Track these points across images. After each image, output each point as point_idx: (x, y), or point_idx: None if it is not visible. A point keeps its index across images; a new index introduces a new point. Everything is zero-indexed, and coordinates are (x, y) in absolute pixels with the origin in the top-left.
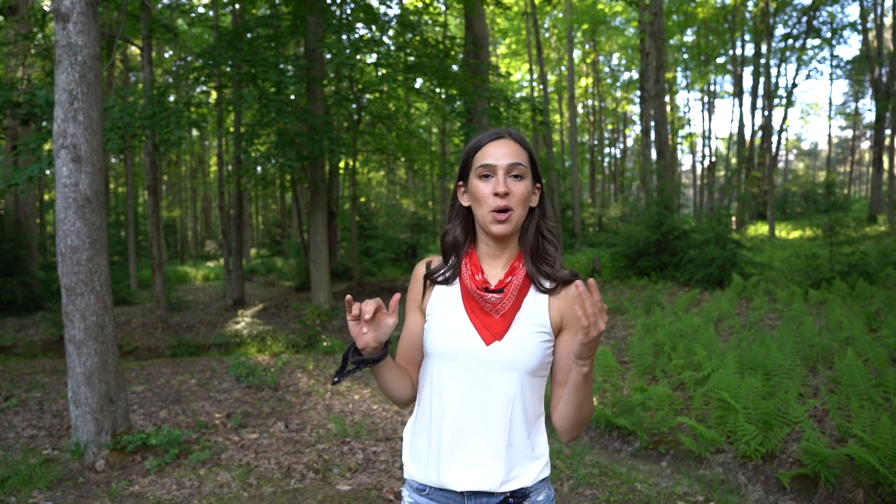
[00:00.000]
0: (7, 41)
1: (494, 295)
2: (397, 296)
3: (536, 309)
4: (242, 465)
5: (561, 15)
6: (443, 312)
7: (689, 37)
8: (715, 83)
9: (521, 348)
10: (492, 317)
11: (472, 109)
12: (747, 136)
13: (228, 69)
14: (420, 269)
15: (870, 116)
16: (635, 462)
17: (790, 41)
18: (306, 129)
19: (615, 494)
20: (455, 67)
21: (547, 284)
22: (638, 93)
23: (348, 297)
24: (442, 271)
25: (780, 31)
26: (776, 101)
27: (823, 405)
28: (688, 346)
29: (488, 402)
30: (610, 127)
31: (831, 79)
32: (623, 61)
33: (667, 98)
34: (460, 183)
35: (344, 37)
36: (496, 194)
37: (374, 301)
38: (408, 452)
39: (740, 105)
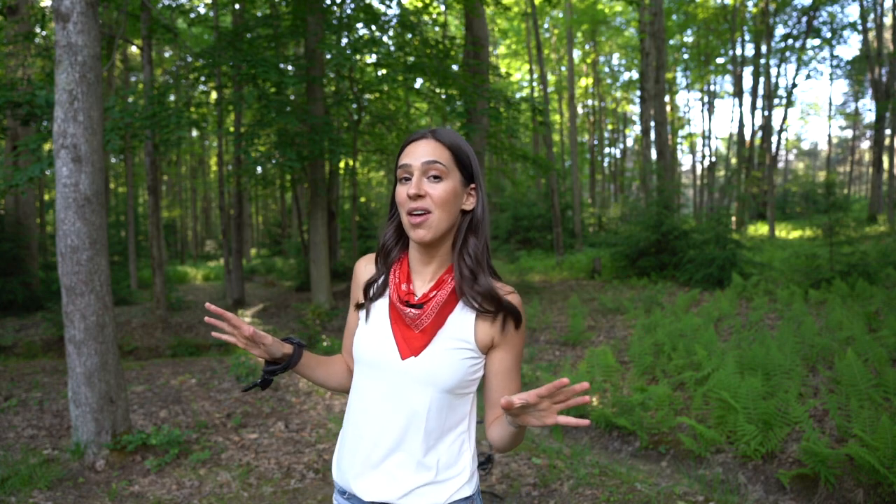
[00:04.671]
0: (7, 41)
1: (413, 310)
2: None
3: (462, 326)
4: (242, 465)
5: (561, 15)
6: (371, 319)
7: (689, 37)
8: (715, 83)
9: (437, 366)
10: (412, 331)
11: (472, 110)
12: (747, 136)
13: (228, 69)
14: (359, 269)
15: (870, 116)
16: (635, 462)
17: (790, 41)
18: (306, 129)
19: (615, 494)
20: (455, 67)
21: (475, 304)
22: (638, 93)
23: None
24: (374, 287)
25: (780, 31)
26: (776, 101)
27: (823, 405)
28: (688, 346)
29: (400, 415)
30: (610, 127)
31: (831, 79)
32: (623, 61)
33: (667, 98)
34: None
35: (344, 37)
36: (408, 196)
37: (240, 331)
38: (335, 454)
39: (740, 105)
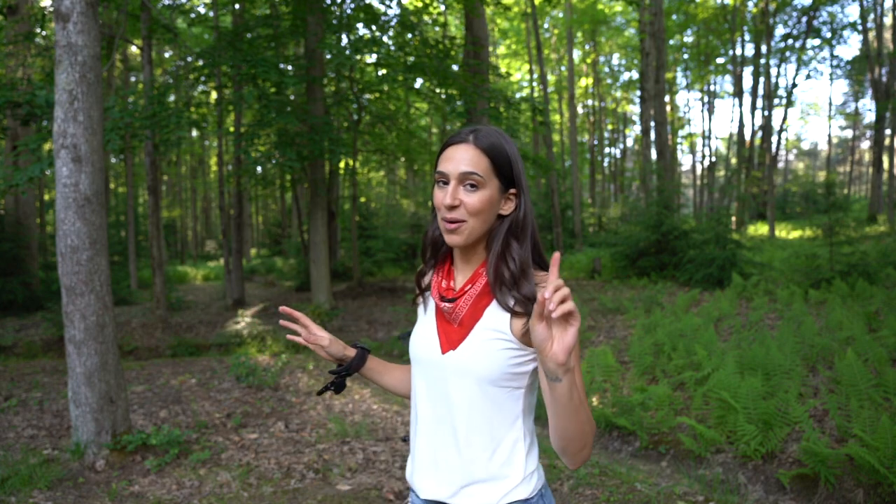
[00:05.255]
0: (7, 41)
1: (447, 304)
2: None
3: (498, 319)
4: (242, 465)
5: (561, 15)
6: (421, 318)
7: (689, 37)
8: (715, 83)
9: (474, 357)
10: (451, 325)
11: (472, 109)
12: (747, 136)
13: (228, 69)
14: (418, 280)
15: (870, 116)
16: (635, 462)
17: (790, 41)
18: (306, 129)
19: (615, 494)
20: (455, 67)
21: (510, 302)
22: (638, 93)
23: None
24: (424, 279)
25: (780, 31)
26: (776, 101)
27: (823, 405)
28: (688, 346)
29: (443, 410)
30: (610, 127)
31: (831, 79)
32: (623, 61)
33: (667, 98)
34: None
35: (344, 37)
36: (444, 205)
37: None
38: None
39: (740, 105)
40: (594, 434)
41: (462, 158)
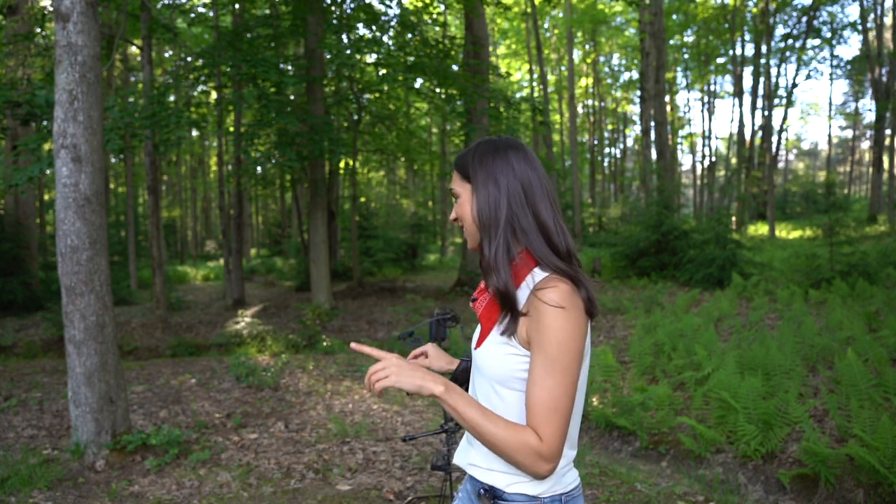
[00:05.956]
0: (7, 41)
1: (472, 303)
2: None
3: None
4: (242, 465)
5: (561, 15)
6: None
7: (689, 37)
8: (715, 83)
9: (488, 357)
10: (482, 325)
11: (472, 109)
12: (747, 136)
13: (228, 69)
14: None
15: (870, 116)
16: (635, 462)
17: (790, 41)
18: (306, 129)
19: (615, 494)
20: (455, 67)
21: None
22: (638, 93)
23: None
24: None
25: (780, 31)
26: (776, 101)
27: (823, 405)
28: (688, 346)
29: (479, 399)
30: (610, 127)
31: (831, 79)
32: (623, 61)
33: (667, 98)
34: None
35: (344, 37)
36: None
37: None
38: None
39: (740, 105)
40: (521, 455)
41: (452, 179)
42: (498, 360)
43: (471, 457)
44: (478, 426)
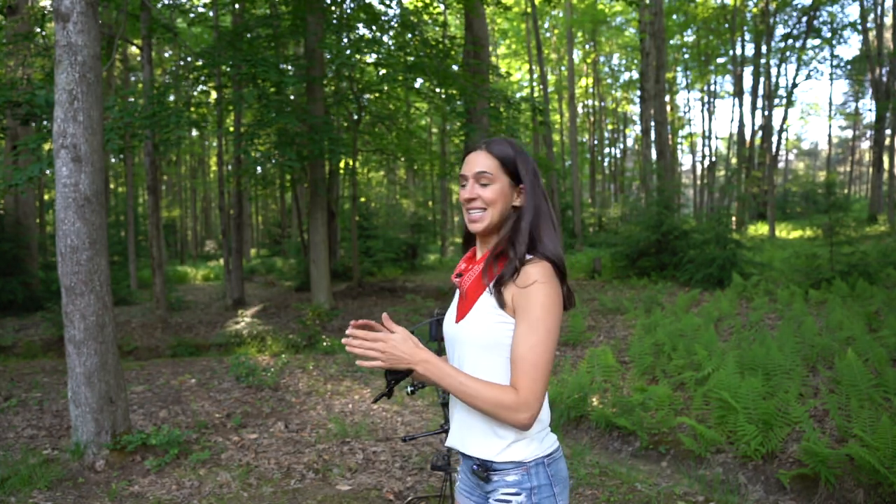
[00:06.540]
0: (7, 41)
1: (457, 279)
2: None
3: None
4: (242, 465)
5: (561, 15)
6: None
7: (689, 37)
8: (715, 83)
9: (473, 326)
10: (462, 299)
11: (472, 109)
12: (747, 136)
13: (228, 69)
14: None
15: (870, 116)
16: (635, 462)
17: (790, 41)
18: (306, 129)
19: (615, 494)
20: (455, 67)
21: (500, 277)
22: (638, 93)
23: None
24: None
25: (780, 31)
26: (776, 101)
27: (823, 405)
28: (688, 346)
29: (464, 369)
30: (610, 127)
31: (831, 79)
32: (623, 61)
33: (667, 98)
34: None
35: (344, 37)
36: (465, 199)
37: (360, 322)
38: None
39: (740, 105)
40: (502, 406)
41: (476, 162)
42: (484, 327)
43: (462, 436)
44: (462, 384)
